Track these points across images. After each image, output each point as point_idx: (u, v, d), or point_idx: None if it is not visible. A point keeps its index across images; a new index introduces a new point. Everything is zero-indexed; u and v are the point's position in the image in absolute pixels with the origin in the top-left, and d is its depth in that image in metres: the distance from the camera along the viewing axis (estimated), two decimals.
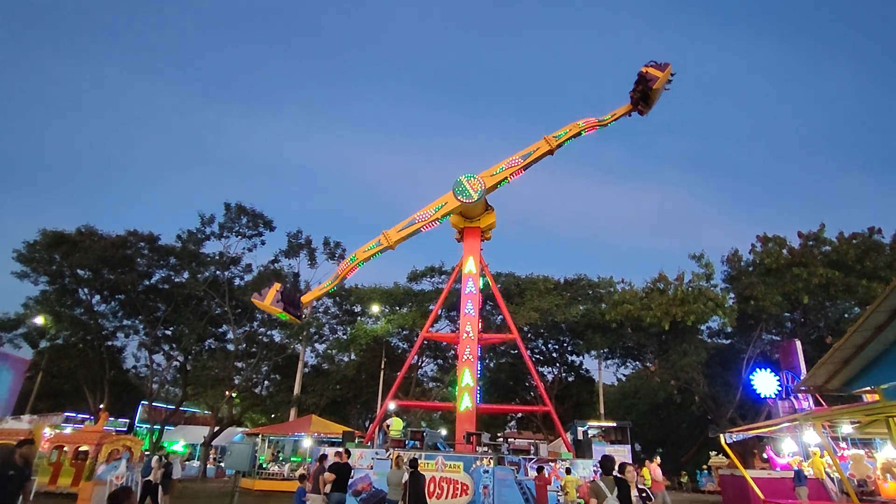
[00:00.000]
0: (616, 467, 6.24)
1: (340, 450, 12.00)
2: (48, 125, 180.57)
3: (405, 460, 11.03)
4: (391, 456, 13.59)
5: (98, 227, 30.16)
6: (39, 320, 30.02)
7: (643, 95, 19.95)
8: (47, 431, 22.62)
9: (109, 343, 33.27)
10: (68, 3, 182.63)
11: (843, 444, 17.57)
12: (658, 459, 16.45)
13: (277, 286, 17.97)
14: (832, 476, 16.01)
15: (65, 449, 18.39)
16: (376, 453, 15.79)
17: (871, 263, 26.27)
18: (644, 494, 5.77)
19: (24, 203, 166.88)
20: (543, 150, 20.19)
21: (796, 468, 15.80)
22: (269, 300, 17.50)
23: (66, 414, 31.12)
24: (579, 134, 20.55)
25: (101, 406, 29.92)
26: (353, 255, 19.52)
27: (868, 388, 11.91)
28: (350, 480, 15.32)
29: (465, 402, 18.50)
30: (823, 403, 18.81)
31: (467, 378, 18.89)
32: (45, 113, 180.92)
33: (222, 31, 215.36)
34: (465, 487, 14.98)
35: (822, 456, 16.33)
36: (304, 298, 19.62)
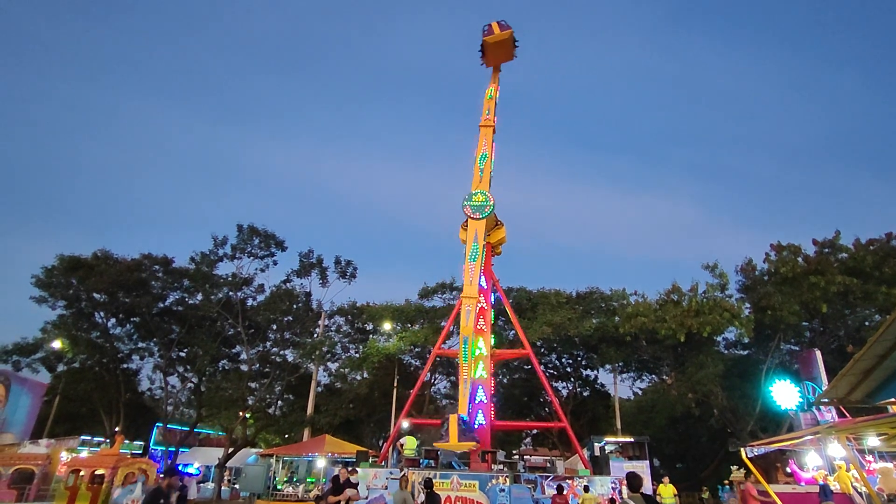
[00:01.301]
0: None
1: (339, 469, 11.89)
2: (66, 153, 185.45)
3: (409, 481, 10.93)
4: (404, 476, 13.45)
5: (113, 251, 30.74)
6: (57, 344, 30.43)
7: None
8: (64, 455, 22.77)
9: (125, 366, 33.60)
10: (87, 39, 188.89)
11: (869, 458, 17.07)
12: (667, 479, 16.15)
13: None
14: (860, 491, 15.53)
15: (81, 473, 18.48)
16: (391, 473, 15.68)
17: (889, 270, 25.80)
18: None
19: (44, 230, 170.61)
20: (489, 136, 22.64)
21: (822, 483, 15.36)
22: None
23: (83, 437, 31.37)
24: (492, 97, 23.59)
25: (117, 429, 30.11)
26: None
27: (894, 400, 11.60)
28: (365, 501, 15.22)
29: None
30: (847, 415, 18.34)
31: (481, 394, 18.75)
32: (64, 141, 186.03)
33: (236, 61, 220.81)
34: None
35: (848, 470, 15.88)
36: None
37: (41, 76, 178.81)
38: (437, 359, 28.19)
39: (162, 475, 7.41)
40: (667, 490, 15.18)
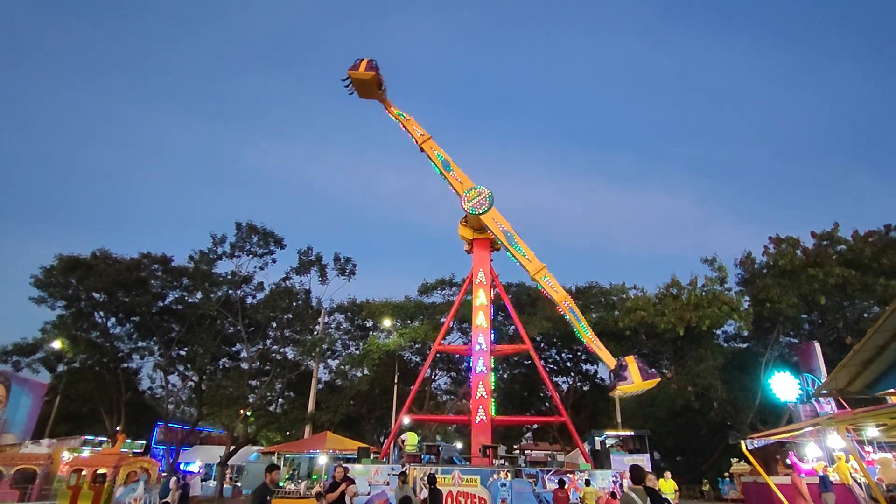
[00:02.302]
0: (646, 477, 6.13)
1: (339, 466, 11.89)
2: (65, 154, 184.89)
3: (410, 476, 10.94)
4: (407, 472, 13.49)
5: (112, 251, 30.66)
6: (57, 344, 30.39)
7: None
8: (66, 455, 22.77)
9: (125, 365, 33.57)
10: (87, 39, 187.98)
11: (868, 448, 17.14)
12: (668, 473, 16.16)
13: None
14: (859, 481, 15.61)
15: (83, 472, 18.47)
16: (392, 469, 15.71)
17: (888, 261, 25.86)
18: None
19: (43, 231, 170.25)
20: (433, 146, 22.65)
21: (821, 474, 15.42)
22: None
23: (84, 437, 31.38)
24: (404, 116, 23.71)
25: (118, 428, 30.13)
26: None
27: (893, 391, 11.64)
28: (367, 497, 15.27)
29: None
30: (846, 406, 18.41)
31: (482, 389, 18.79)
32: (63, 142, 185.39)
33: (232, 61, 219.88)
34: (482, 501, 14.82)
35: (847, 461, 15.94)
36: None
37: (40, 78, 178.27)
38: (438, 355, 28.18)
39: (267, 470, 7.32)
40: (667, 485, 15.21)
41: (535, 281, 20.47)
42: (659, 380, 17.85)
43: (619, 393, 17.89)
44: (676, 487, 15.97)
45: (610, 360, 18.51)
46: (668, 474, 15.96)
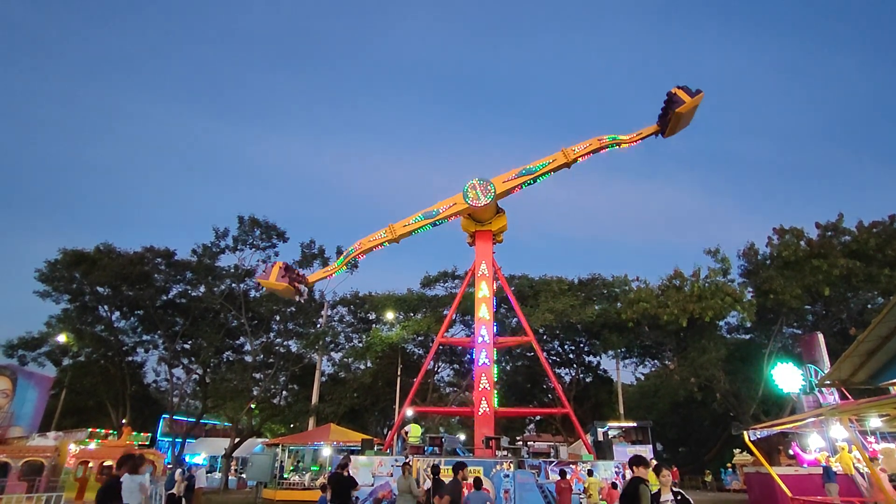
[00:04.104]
0: (650, 468, 6.11)
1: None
2: (69, 150, 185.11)
3: (413, 468, 10.94)
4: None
5: (116, 245, 30.74)
6: (62, 338, 30.57)
7: (664, 114, 19.32)
8: (72, 447, 22.98)
9: (130, 358, 33.78)
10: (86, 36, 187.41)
11: (870, 439, 17.14)
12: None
13: (280, 264, 19.00)
14: (862, 471, 15.62)
15: (90, 464, 18.67)
16: (396, 460, 15.79)
17: (892, 252, 25.72)
18: (679, 497, 5.58)
19: (47, 227, 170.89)
20: (560, 162, 19.90)
21: (824, 464, 15.43)
22: (273, 277, 18.48)
23: (90, 430, 31.61)
24: (598, 150, 20.06)
25: (124, 421, 30.33)
26: (359, 243, 20.10)
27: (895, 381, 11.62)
28: (371, 489, 15.38)
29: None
30: (849, 397, 18.39)
31: (485, 381, 18.83)
32: (66, 139, 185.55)
33: (235, 57, 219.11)
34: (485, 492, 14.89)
35: (850, 451, 15.95)
36: (311, 278, 20.45)
37: (44, 75, 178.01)
38: (440, 347, 28.25)
39: (118, 462, 7.34)
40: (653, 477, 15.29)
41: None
42: (289, 288, 18.41)
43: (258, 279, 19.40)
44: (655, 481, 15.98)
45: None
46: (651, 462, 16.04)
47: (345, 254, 20.38)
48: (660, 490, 5.78)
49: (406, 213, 20.48)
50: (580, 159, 19.91)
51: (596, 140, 20.04)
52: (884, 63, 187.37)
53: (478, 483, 8.77)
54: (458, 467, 8.76)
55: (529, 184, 20.18)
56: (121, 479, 6.85)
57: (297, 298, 20.48)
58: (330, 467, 23.44)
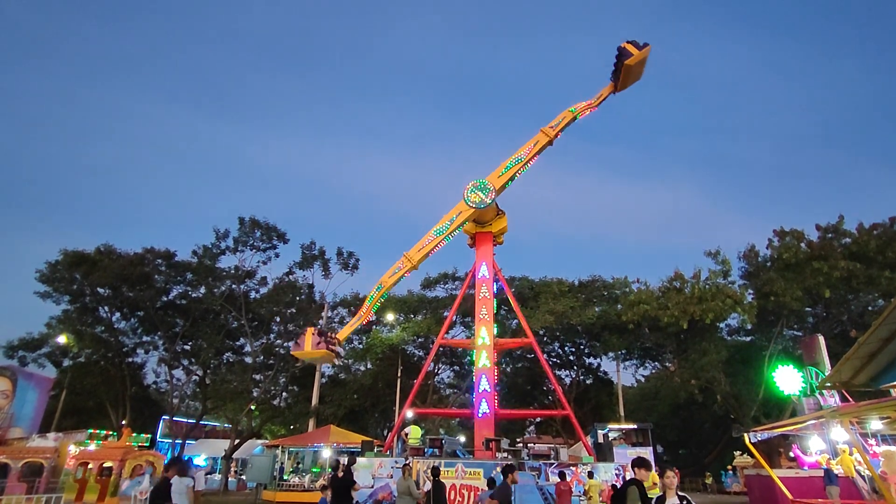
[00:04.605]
0: (651, 470, 6.07)
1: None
2: (70, 151, 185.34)
3: (413, 469, 10.93)
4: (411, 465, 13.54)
5: (116, 246, 30.77)
6: (62, 339, 30.57)
7: (616, 70, 20.34)
8: (72, 449, 22.97)
9: (130, 360, 33.78)
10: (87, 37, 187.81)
11: (872, 441, 17.10)
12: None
13: (311, 330, 17.95)
14: (863, 474, 15.59)
15: (89, 465, 18.67)
16: (396, 462, 15.77)
17: (893, 254, 25.67)
18: (685, 502, 5.53)
19: (48, 228, 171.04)
20: (543, 142, 20.65)
21: (825, 467, 15.39)
22: (308, 346, 17.36)
23: (90, 431, 31.61)
24: (574, 119, 21.04)
25: (124, 422, 30.33)
26: (379, 284, 19.82)
27: None
28: (370, 490, 15.35)
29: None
30: (850, 399, 18.35)
31: (485, 383, 18.81)
32: (67, 139, 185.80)
33: (236, 58, 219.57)
34: None
35: (850, 453, 15.92)
36: (341, 335, 19.66)
37: (46, 75, 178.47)
38: (441, 349, 28.22)
39: (166, 466, 7.39)
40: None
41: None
42: (328, 353, 17.65)
43: (294, 352, 18.66)
44: (657, 480, 15.95)
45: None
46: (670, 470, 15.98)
47: (370, 297, 19.80)
48: (664, 494, 5.71)
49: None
50: (559, 134, 20.84)
51: (568, 111, 21.04)
52: (884, 65, 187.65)
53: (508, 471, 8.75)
54: (508, 470, 8.70)
55: (522, 172, 20.80)
56: (171, 481, 6.92)
57: (336, 362, 19.93)
58: (330, 469, 23.41)
